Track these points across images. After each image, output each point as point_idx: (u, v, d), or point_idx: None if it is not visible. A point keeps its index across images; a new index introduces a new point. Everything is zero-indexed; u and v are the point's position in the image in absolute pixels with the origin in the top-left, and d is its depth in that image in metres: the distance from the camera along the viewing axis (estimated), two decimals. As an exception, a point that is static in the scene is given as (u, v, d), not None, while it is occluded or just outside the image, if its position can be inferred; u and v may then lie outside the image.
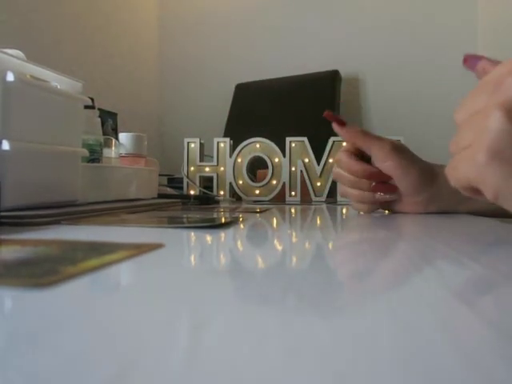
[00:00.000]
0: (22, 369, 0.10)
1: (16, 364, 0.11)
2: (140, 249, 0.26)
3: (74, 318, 0.15)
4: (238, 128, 1.50)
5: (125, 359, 0.11)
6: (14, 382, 0.10)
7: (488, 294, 0.19)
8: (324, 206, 0.79)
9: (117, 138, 0.79)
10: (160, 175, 0.85)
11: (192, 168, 0.93)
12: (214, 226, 0.40)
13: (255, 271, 0.23)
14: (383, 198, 0.53)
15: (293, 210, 0.67)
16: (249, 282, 0.20)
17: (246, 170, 0.90)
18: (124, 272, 0.22)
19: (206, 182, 0.93)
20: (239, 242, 0.35)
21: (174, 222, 0.46)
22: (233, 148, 0.92)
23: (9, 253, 0.25)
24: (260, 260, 0.27)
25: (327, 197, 0.86)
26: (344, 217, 0.57)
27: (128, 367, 0.11)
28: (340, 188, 0.57)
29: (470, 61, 0.34)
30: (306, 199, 0.86)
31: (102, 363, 0.11)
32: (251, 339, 0.13)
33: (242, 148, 0.90)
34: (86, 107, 0.61)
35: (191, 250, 0.32)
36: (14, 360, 0.11)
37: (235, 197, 0.92)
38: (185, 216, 0.54)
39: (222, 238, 0.35)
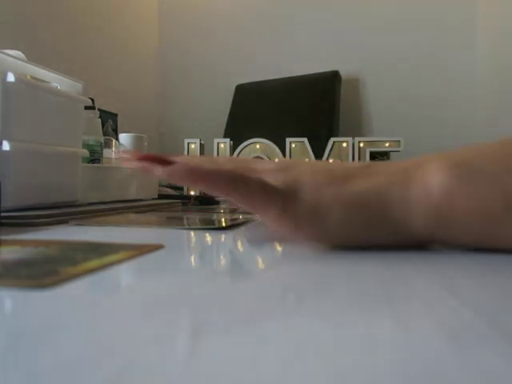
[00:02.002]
0: (22, 369, 0.10)
1: (16, 364, 0.11)
2: (140, 250, 0.26)
3: (74, 319, 0.15)
4: (238, 128, 1.50)
5: (125, 359, 0.11)
6: (13, 382, 0.10)
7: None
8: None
9: (117, 139, 0.79)
10: (160, 176, 0.85)
11: (192, 168, 0.92)
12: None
13: (256, 272, 0.23)
14: None
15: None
16: (249, 283, 0.20)
17: (246, 170, 0.90)
18: (124, 273, 0.22)
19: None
20: (239, 244, 0.35)
21: (174, 224, 0.46)
22: (233, 149, 0.92)
23: (9, 253, 0.25)
24: (260, 261, 0.27)
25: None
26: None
27: (128, 367, 0.11)
28: None
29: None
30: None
31: (102, 363, 0.11)
32: (251, 340, 0.13)
33: (242, 149, 0.90)
34: (87, 108, 0.61)
35: (191, 251, 0.32)
36: (14, 360, 0.11)
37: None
38: (185, 217, 0.54)
39: (222, 239, 0.35)
